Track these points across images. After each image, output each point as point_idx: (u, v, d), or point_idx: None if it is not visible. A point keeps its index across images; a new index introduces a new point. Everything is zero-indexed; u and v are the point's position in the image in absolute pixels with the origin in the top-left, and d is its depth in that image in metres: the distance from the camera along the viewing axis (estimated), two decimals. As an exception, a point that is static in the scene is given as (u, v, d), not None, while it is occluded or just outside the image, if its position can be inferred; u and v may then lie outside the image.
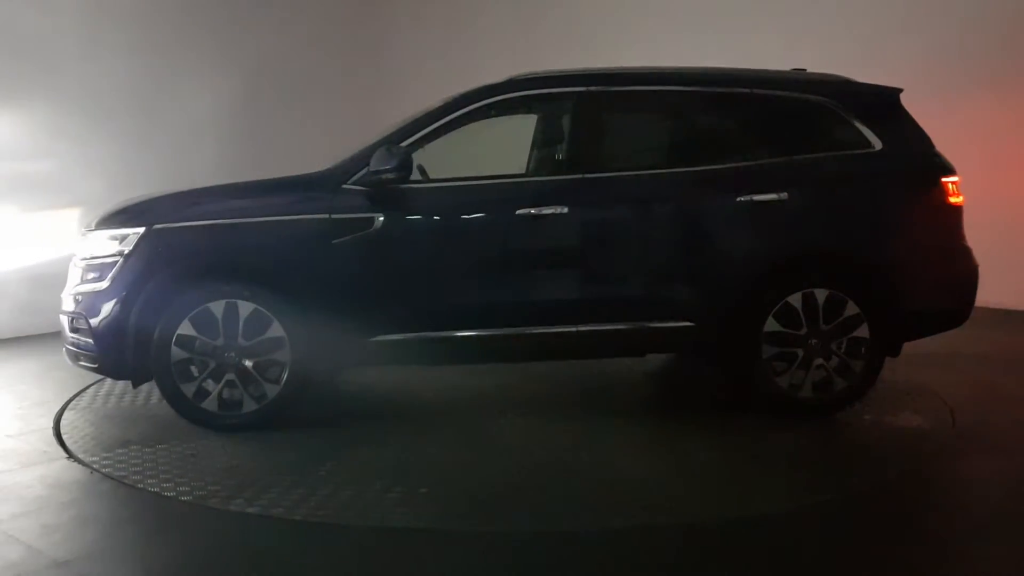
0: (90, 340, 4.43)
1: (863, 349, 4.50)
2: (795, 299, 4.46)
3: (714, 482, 3.74)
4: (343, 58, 9.38)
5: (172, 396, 4.41)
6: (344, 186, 4.43)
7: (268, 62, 8.70)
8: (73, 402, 5.07)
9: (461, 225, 4.53)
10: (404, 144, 4.44)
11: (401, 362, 4.81)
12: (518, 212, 4.43)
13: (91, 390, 5.31)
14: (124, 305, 4.35)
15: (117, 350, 4.40)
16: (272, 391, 4.40)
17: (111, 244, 4.45)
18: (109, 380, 5.36)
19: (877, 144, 4.58)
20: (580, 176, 4.53)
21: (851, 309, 4.47)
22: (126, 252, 4.39)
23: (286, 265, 4.40)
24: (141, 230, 4.40)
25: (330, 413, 4.77)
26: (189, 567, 3.04)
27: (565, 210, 4.42)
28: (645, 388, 5.43)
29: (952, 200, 4.60)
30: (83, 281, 4.52)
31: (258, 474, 3.84)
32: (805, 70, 5.00)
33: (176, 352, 4.34)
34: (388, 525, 3.35)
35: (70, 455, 4.16)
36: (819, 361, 4.50)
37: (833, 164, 4.61)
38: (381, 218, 4.40)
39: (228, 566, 3.09)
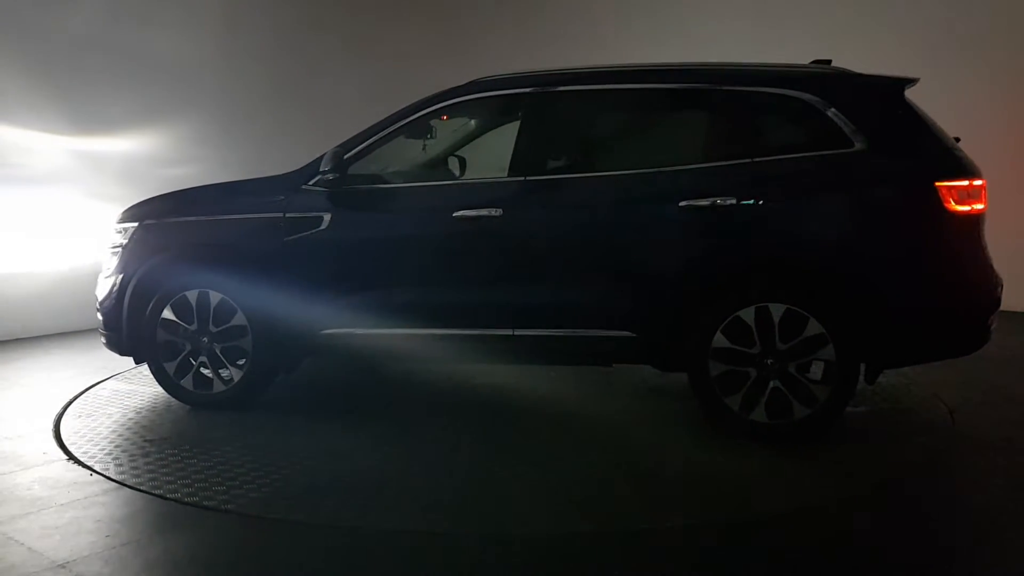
0: (101, 320, 5.05)
1: (828, 374, 4.08)
2: (747, 314, 4.09)
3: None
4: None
5: (157, 372, 4.92)
6: (303, 187, 4.71)
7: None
8: (73, 404, 5.07)
9: (401, 226, 4.63)
10: (365, 143, 4.67)
11: (351, 356, 5.20)
12: (454, 214, 4.43)
13: (90, 392, 5.32)
14: (120, 290, 4.92)
15: (117, 330, 4.95)
16: (236, 375, 4.80)
17: (118, 237, 5.06)
18: (108, 382, 5.54)
19: (859, 143, 4.10)
20: (520, 179, 4.43)
21: (814, 328, 4.03)
22: (124, 244, 4.98)
23: (247, 260, 4.73)
24: (135, 225, 4.98)
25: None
26: (189, 568, 3.04)
27: (499, 212, 4.37)
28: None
29: (952, 207, 4.00)
30: (103, 269, 5.14)
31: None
32: (830, 61, 4.56)
33: (160, 334, 4.83)
34: (388, 527, 3.34)
35: (70, 457, 4.15)
36: (775, 384, 4.10)
37: (797, 166, 4.17)
38: (327, 218, 4.63)
39: (228, 567, 3.09)
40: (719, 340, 4.13)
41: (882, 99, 4.26)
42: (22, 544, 3.19)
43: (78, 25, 7.14)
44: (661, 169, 4.32)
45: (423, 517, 3.43)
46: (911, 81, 4.31)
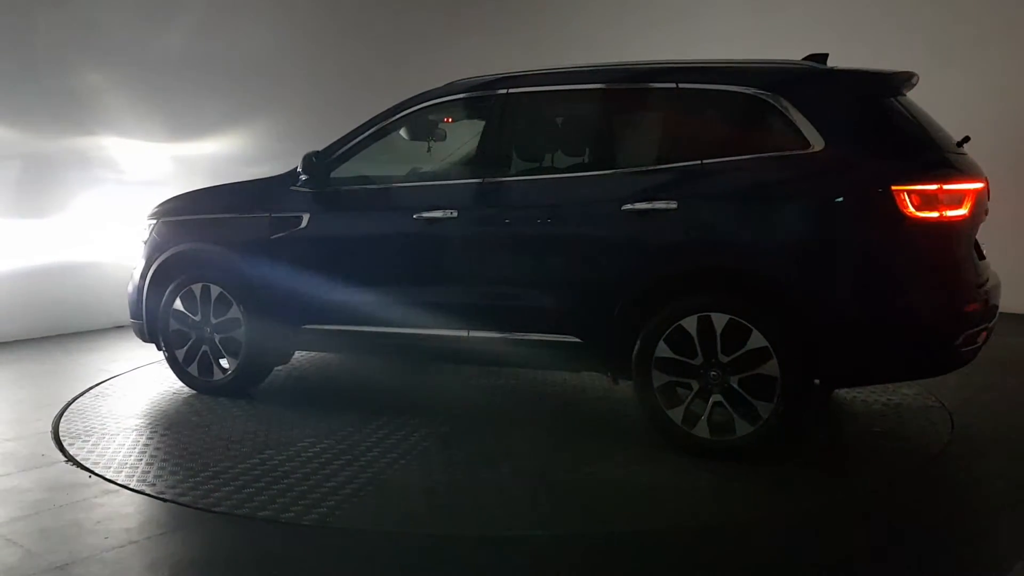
0: (129, 309, 5.43)
1: (772, 390, 3.79)
2: (690, 323, 3.90)
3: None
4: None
5: (170, 360, 5.26)
6: (291, 188, 4.90)
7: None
8: (71, 405, 5.06)
9: (369, 227, 4.78)
10: (346, 147, 4.82)
11: (330, 350, 5.48)
12: (415, 216, 4.51)
13: (89, 394, 5.31)
14: (140, 282, 5.29)
15: (141, 319, 5.30)
16: (232, 364, 5.08)
17: (145, 232, 5.40)
18: (107, 384, 5.55)
19: (816, 144, 3.80)
20: (479, 181, 4.46)
21: (757, 340, 3.78)
22: (145, 239, 5.35)
23: (240, 256, 4.98)
24: (154, 222, 5.34)
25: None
26: (188, 570, 3.04)
27: (455, 214, 4.41)
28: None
29: (911, 213, 3.64)
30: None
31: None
32: (827, 56, 4.28)
33: (172, 324, 5.16)
34: (390, 529, 3.34)
35: (68, 459, 4.15)
36: (717, 398, 3.88)
37: (746, 168, 3.93)
38: (305, 218, 4.83)
39: (227, 568, 3.09)
40: (662, 349, 3.96)
41: (849, 96, 4.00)
42: (20, 546, 3.19)
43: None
44: (606, 172, 4.26)
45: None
46: (894, 76, 4.06)
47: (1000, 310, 4.18)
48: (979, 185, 3.90)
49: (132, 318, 5.42)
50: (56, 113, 7.01)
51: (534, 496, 3.65)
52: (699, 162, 3.99)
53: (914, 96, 4.26)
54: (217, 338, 5.08)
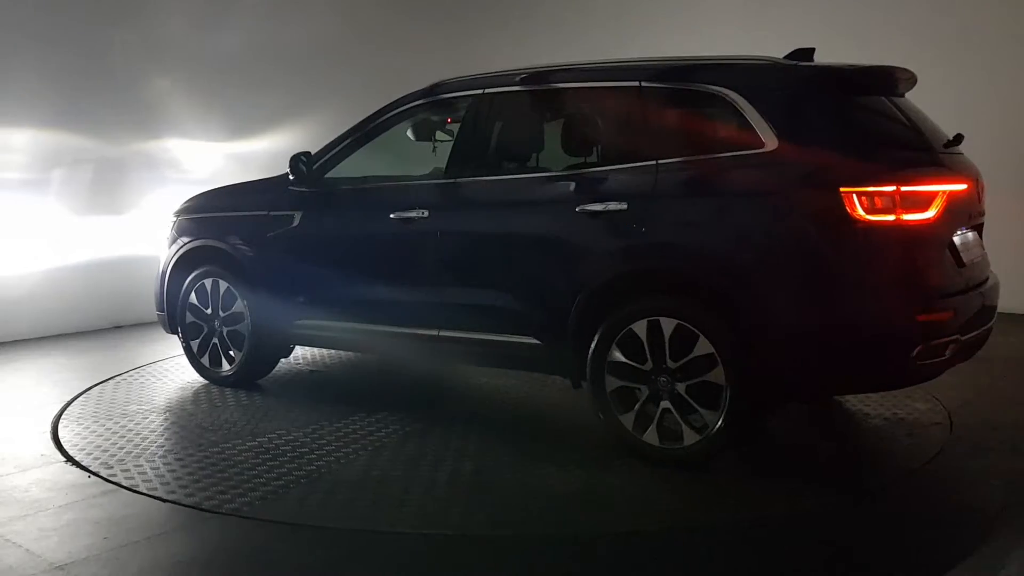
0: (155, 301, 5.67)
1: (719, 399, 3.66)
2: (640, 327, 3.80)
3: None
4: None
5: (186, 350, 5.53)
6: (288, 188, 5.03)
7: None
8: (70, 406, 5.06)
9: (349, 226, 4.89)
10: (336, 149, 4.94)
11: (321, 345, 5.62)
12: (391, 215, 4.58)
13: (88, 394, 5.31)
14: (162, 276, 5.56)
15: (163, 310, 5.56)
16: (238, 356, 5.27)
17: (168, 228, 5.63)
18: (106, 383, 5.57)
19: (771, 143, 3.63)
20: (451, 181, 4.51)
21: (704, 347, 3.67)
22: (169, 235, 5.58)
23: (243, 253, 5.16)
24: (175, 218, 5.59)
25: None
26: (188, 570, 3.03)
27: (426, 214, 4.46)
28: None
29: (860, 216, 3.43)
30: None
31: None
32: (813, 51, 4.07)
33: (188, 316, 5.42)
34: (391, 529, 3.34)
35: (67, 458, 4.14)
36: (666, 405, 3.78)
37: (698, 169, 3.83)
38: (297, 217, 5.00)
39: (227, 568, 3.09)
40: (614, 354, 3.88)
41: (809, 93, 3.79)
42: (20, 546, 3.19)
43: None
44: (563, 172, 4.23)
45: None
46: (864, 71, 3.88)
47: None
48: (955, 187, 3.70)
49: (157, 310, 5.65)
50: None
51: (463, 495, 3.64)
52: (654, 162, 3.88)
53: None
54: (225, 331, 5.29)
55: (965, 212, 3.85)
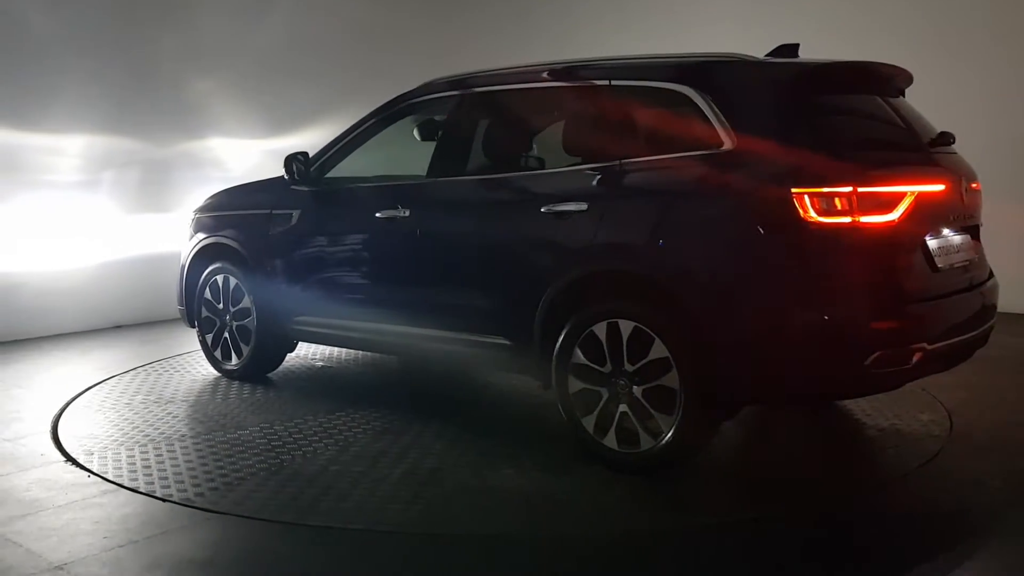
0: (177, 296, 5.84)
1: (674, 403, 3.57)
2: (600, 329, 3.75)
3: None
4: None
5: (202, 343, 5.71)
6: (289, 187, 5.12)
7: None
8: (70, 405, 5.06)
9: (340, 225, 4.97)
10: (334, 149, 5.01)
11: (317, 341, 5.60)
12: (376, 215, 4.65)
13: (88, 394, 5.31)
14: (181, 272, 5.73)
15: (182, 305, 5.74)
16: (245, 351, 5.41)
17: (188, 225, 5.79)
18: (105, 383, 5.58)
19: (729, 142, 3.54)
20: (431, 181, 4.56)
21: (659, 350, 3.59)
22: (188, 232, 5.74)
23: (247, 250, 5.30)
24: (195, 215, 5.75)
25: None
26: (188, 570, 3.03)
27: (408, 214, 4.50)
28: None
29: (811, 218, 3.32)
30: None
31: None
32: (798, 46, 4.01)
33: (203, 311, 5.60)
34: (390, 529, 3.34)
35: (68, 458, 4.14)
36: (624, 408, 3.71)
37: (657, 169, 3.76)
38: (295, 215, 5.11)
39: (227, 568, 3.09)
40: (577, 355, 3.83)
41: (771, 90, 3.69)
42: (20, 545, 3.19)
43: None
44: (531, 172, 4.29)
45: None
46: (833, 67, 3.78)
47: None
48: (928, 187, 3.60)
49: (178, 304, 5.80)
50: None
51: (409, 492, 3.64)
52: (617, 162, 3.85)
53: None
54: (234, 325, 5.45)
55: (945, 214, 3.74)
